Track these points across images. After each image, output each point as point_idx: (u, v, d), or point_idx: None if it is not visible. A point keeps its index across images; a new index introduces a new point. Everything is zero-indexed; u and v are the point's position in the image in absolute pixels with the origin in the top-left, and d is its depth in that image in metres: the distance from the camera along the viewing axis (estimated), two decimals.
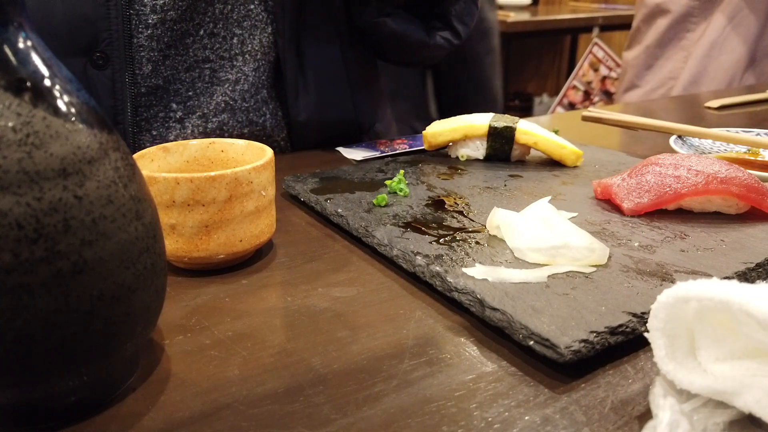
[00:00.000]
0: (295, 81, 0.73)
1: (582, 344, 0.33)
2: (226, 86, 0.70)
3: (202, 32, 0.67)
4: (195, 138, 0.68)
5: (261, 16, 0.71)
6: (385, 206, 0.53)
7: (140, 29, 0.64)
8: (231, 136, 0.71)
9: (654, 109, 1.07)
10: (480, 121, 0.66)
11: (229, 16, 0.69)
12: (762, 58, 1.42)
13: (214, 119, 0.70)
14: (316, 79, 0.74)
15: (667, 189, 0.50)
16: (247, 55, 0.70)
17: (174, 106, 0.68)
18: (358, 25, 0.78)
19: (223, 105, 0.70)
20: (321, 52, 0.75)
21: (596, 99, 3.01)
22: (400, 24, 0.75)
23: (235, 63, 0.70)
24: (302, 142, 0.76)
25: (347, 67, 0.77)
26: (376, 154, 0.73)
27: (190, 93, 0.69)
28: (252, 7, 0.70)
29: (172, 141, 0.68)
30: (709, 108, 1.03)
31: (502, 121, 0.66)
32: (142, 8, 0.64)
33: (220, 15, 0.68)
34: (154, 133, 0.68)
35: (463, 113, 0.70)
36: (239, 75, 0.70)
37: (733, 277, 0.41)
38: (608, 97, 2.98)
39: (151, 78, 0.66)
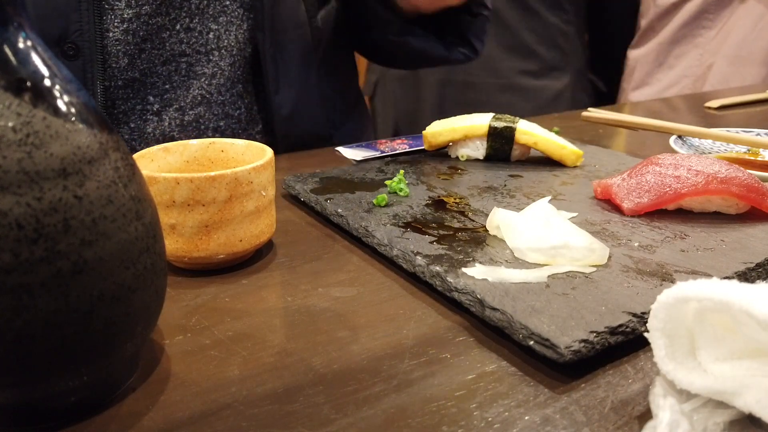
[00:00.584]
0: (276, 75, 0.74)
1: (582, 344, 0.33)
2: (202, 80, 0.71)
3: (178, 27, 0.69)
4: (172, 130, 0.70)
5: (237, 12, 0.72)
6: (385, 206, 0.53)
7: (116, 23, 0.65)
8: (207, 129, 0.72)
9: (654, 109, 1.07)
10: (480, 121, 0.66)
11: (205, 11, 0.70)
12: None
13: (190, 112, 0.71)
14: (296, 73, 0.76)
15: (667, 189, 0.50)
16: (223, 50, 0.72)
17: (151, 99, 0.69)
18: (381, 44, 0.82)
19: (199, 98, 0.71)
20: (298, 46, 0.76)
21: None
22: (421, 42, 0.78)
23: (211, 57, 0.71)
24: (286, 137, 0.78)
25: (318, 65, 0.79)
26: (376, 154, 0.73)
27: (167, 86, 0.70)
28: (228, 2, 0.71)
29: (149, 133, 0.70)
30: (709, 108, 1.03)
31: (502, 121, 0.66)
32: (117, 2, 0.65)
33: (196, 10, 0.69)
34: (132, 125, 0.69)
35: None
36: (215, 69, 0.72)
37: (733, 277, 0.41)
38: None
39: (128, 71, 0.67)
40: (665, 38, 1.52)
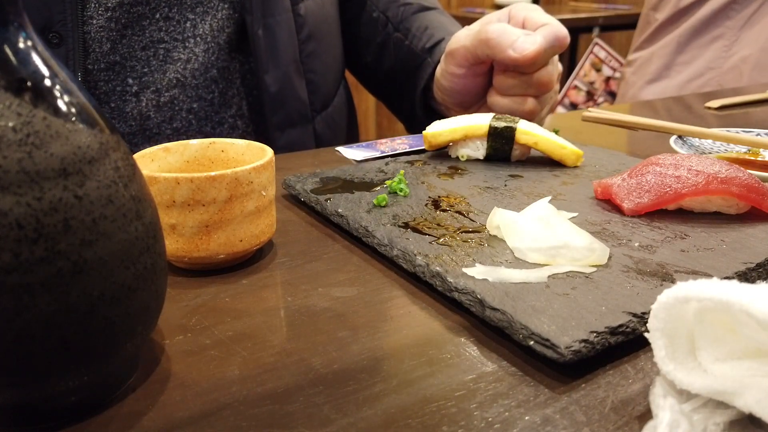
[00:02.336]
0: (265, 56, 0.78)
1: (582, 344, 0.33)
2: (178, 65, 0.76)
3: (157, 16, 0.74)
4: (149, 110, 0.75)
5: (213, 3, 0.77)
6: (385, 206, 0.53)
7: (100, 11, 0.71)
8: (181, 110, 0.77)
9: (654, 109, 1.07)
10: (480, 121, 0.66)
11: (183, 1, 0.75)
12: None
13: (166, 94, 0.76)
14: (283, 54, 0.80)
15: (668, 189, 0.50)
16: (198, 38, 0.76)
17: (130, 81, 0.74)
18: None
19: (174, 81, 0.76)
20: (284, 30, 0.81)
21: (600, 99, 3.00)
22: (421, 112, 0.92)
23: (187, 45, 0.76)
24: (274, 114, 0.82)
25: (301, 50, 0.84)
26: (376, 154, 0.73)
27: (145, 70, 0.75)
28: None
29: (128, 113, 0.75)
30: (709, 108, 1.03)
31: (503, 121, 0.66)
32: None
33: (174, 1, 0.75)
34: (113, 105, 0.74)
35: None
36: (190, 55, 0.76)
37: (733, 277, 0.41)
38: (612, 98, 2.96)
39: (110, 55, 0.72)
40: (686, 30, 1.48)
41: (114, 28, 0.72)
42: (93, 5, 0.70)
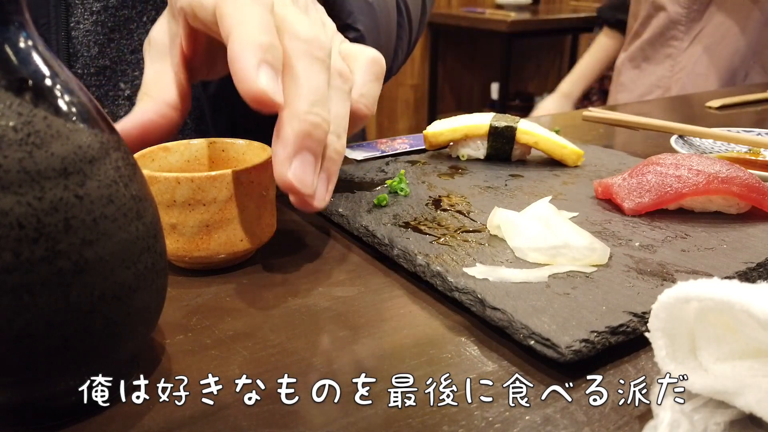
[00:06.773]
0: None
1: (583, 344, 0.33)
2: None
3: (145, 19, 0.74)
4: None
5: None
6: (385, 206, 0.53)
7: (85, 16, 0.71)
8: None
9: (654, 109, 1.07)
10: (481, 121, 0.66)
11: None
12: (762, 50, 1.41)
13: None
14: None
15: (668, 189, 0.50)
16: None
17: (122, 85, 0.75)
18: None
19: None
20: None
21: (594, 98, 3.00)
22: None
23: None
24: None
25: None
26: (377, 153, 0.73)
27: (137, 73, 0.75)
28: None
29: (122, 117, 0.73)
30: (709, 108, 1.03)
31: (503, 120, 0.66)
32: None
33: (161, 4, 0.74)
34: (106, 110, 0.74)
35: None
36: None
37: (734, 277, 0.41)
38: (605, 96, 2.97)
39: (99, 59, 0.73)
40: (645, 40, 1.51)
41: (101, 32, 0.72)
42: (79, 10, 0.70)
